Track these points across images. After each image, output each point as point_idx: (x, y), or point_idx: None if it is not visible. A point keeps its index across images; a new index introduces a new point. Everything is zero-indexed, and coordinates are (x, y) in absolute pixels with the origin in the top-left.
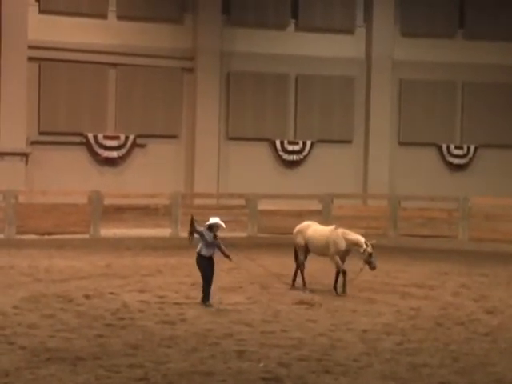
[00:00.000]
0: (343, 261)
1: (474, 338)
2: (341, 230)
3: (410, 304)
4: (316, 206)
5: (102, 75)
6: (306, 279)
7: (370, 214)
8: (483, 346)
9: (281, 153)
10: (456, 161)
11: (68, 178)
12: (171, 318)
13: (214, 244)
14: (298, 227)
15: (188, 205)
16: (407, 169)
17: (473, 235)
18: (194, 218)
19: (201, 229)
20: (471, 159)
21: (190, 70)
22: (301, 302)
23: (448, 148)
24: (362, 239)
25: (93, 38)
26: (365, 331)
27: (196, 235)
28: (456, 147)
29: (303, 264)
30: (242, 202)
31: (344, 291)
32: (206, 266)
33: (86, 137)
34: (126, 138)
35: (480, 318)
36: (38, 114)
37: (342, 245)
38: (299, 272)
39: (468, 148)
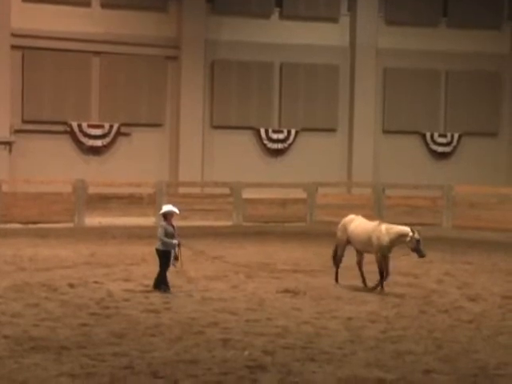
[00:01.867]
0: (387, 257)
1: (457, 325)
2: (384, 226)
3: (395, 292)
4: (300, 194)
5: (85, 63)
6: (338, 276)
7: (354, 203)
8: (467, 334)
9: (265, 141)
10: (440, 149)
11: (52, 166)
12: (156, 307)
13: (173, 234)
14: (342, 221)
15: (172, 193)
16: (391, 157)
17: (457, 223)
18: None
19: (163, 233)
20: (455, 147)
21: (175, 59)
22: (285, 291)
23: (432, 136)
24: (406, 228)
25: (76, 26)
26: (349, 319)
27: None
28: (440, 135)
29: (340, 260)
30: (226, 190)
31: (380, 287)
32: (169, 257)
33: (70, 125)
34: (111, 126)
35: (463, 305)
36: (22, 103)
37: (386, 241)
38: (334, 267)
39: (452, 136)
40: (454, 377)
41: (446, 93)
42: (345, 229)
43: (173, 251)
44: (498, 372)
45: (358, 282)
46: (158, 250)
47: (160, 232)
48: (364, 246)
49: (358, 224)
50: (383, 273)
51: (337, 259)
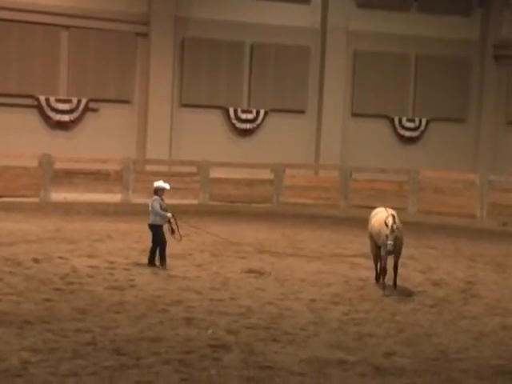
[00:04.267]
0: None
1: (419, 309)
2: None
3: (359, 274)
4: (268, 175)
5: (54, 37)
6: (378, 272)
7: (321, 185)
8: (429, 318)
9: (234, 121)
10: (407, 133)
11: (18, 140)
12: (120, 284)
13: (166, 209)
14: (371, 214)
15: (139, 171)
16: (359, 140)
17: (422, 208)
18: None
19: (157, 207)
20: (422, 132)
21: (144, 35)
22: (250, 271)
23: (400, 120)
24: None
25: None
26: (313, 301)
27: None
28: (408, 120)
29: (377, 258)
30: (193, 169)
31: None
32: (162, 231)
33: (38, 99)
34: (79, 101)
35: (426, 289)
36: None
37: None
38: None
39: (420, 121)
40: (414, 360)
41: (415, 77)
42: (370, 223)
43: (168, 225)
44: (458, 356)
45: (319, 264)
46: (151, 226)
47: (156, 206)
48: (378, 239)
49: (378, 217)
50: (396, 270)
51: (373, 257)
